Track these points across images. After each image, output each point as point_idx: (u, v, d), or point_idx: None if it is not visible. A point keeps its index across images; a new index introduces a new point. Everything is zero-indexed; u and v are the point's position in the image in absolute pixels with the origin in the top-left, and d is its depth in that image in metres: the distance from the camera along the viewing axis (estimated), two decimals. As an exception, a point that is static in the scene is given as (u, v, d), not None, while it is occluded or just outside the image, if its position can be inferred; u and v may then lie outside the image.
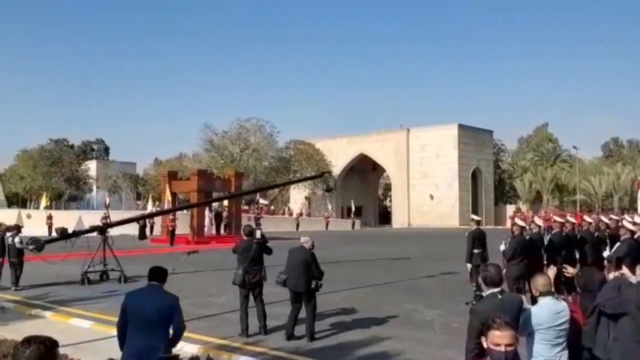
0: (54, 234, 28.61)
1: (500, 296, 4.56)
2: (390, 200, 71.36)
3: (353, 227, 54.83)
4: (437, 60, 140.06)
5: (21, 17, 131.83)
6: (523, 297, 5.36)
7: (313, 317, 8.81)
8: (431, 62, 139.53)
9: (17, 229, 14.43)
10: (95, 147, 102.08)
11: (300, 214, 55.84)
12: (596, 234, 12.92)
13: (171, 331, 5.09)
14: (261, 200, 59.80)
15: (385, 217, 71.66)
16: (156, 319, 4.97)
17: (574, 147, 66.04)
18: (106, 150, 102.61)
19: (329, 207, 62.91)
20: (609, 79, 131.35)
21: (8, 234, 14.12)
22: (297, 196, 67.63)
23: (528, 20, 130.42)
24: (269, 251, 9.28)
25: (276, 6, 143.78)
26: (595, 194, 64.69)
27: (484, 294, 4.75)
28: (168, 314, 5.04)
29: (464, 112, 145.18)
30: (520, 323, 4.46)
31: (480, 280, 4.79)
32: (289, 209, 64.29)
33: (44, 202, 50.36)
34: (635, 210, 39.75)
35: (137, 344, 4.88)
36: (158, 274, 5.29)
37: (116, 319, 5.31)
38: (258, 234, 9.17)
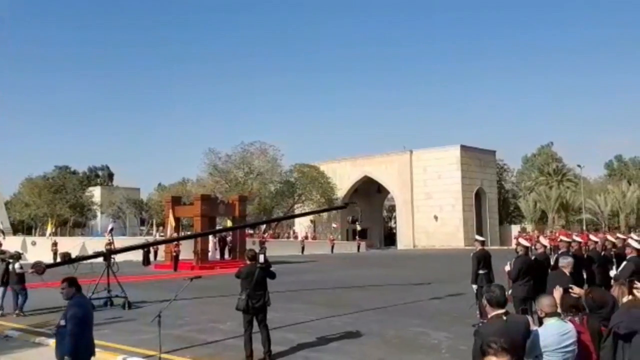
0: (59, 260, 28.57)
1: (505, 318, 4.45)
2: (395, 222, 71.16)
3: (359, 249, 54.70)
4: (439, 81, 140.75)
5: (28, 44, 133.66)
6: (529, 318, 5.28)
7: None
8: (433, 82, 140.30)
9: (18, 256, 14.50)
10: (100, 173, 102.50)
11: (306, 237, 55.65)
12: (603, 253, 12.81)
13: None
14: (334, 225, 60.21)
15: (390, 238, 71.48)
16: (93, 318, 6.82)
17: (578, 165, 66.05)
18: (110, 176, 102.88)
19: (334, 226, 62.44)
20: (613, 97, 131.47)
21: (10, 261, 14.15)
22: (302, 219, 67.41)
23: (530, 37, 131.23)
24: (273, 276, 9.20)
25: (277, 29, 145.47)
26: (601, 212, 64.36)
27: (487, 317, 4.65)
28: None
29: (468, 132, 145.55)
30: (527, 346, 4.39)
31: (484, 301, 4.69)
32: (294, 232, 64.12)
33: (49, 229, 50.48)
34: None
35: (90, 338, 6.40)
36: (79, 284, 6.64)
37: (120, 346, 5.46)
38: (261, 259, 9.09)
